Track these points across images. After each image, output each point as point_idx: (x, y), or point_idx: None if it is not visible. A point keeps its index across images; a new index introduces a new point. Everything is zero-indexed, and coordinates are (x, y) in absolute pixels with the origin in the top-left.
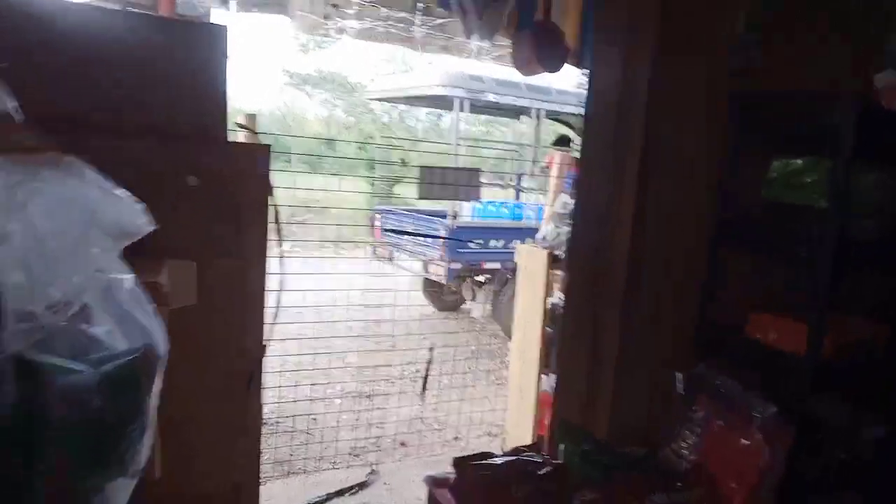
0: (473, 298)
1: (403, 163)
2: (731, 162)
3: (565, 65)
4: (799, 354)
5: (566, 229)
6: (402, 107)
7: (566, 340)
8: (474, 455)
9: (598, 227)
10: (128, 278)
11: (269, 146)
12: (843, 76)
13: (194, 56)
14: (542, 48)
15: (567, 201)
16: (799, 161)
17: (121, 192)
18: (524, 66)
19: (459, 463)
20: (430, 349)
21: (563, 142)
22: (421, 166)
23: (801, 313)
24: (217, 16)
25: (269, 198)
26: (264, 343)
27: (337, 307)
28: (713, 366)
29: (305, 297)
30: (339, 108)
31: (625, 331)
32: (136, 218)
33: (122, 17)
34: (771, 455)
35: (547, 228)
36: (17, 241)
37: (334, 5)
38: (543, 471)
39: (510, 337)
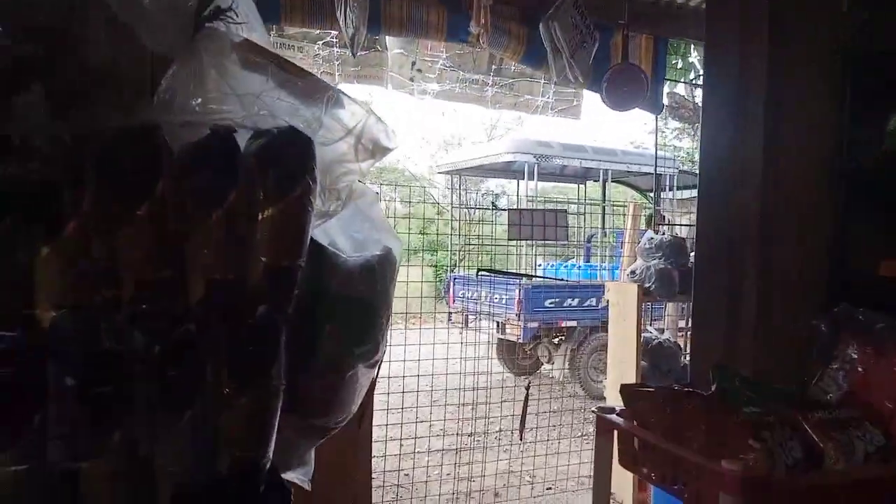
0: (550, 360)
1: (468, 241)
2: (852, 121)
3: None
4: None
5: (654, 262)
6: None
7: (700, 310)
8: (636, 384)
9: (728, 200)
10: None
11: None
12: None
13: None
14: (627, 83)
15: (652, 236)
16: None
17: (377, 116)
18: (614, 100)
19: (626, 388)
20: (527, 387)
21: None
22: (509, 209)
23: None
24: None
25: None
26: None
27: (416, 375)
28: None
29: (390, 367)
30: (399, 198)
31: (762, 292)
32: (390, 138)
33: None
34: None
35: (637, 263)
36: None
37: (419, 70)
38: (708, 393)
39: (590, 395)
